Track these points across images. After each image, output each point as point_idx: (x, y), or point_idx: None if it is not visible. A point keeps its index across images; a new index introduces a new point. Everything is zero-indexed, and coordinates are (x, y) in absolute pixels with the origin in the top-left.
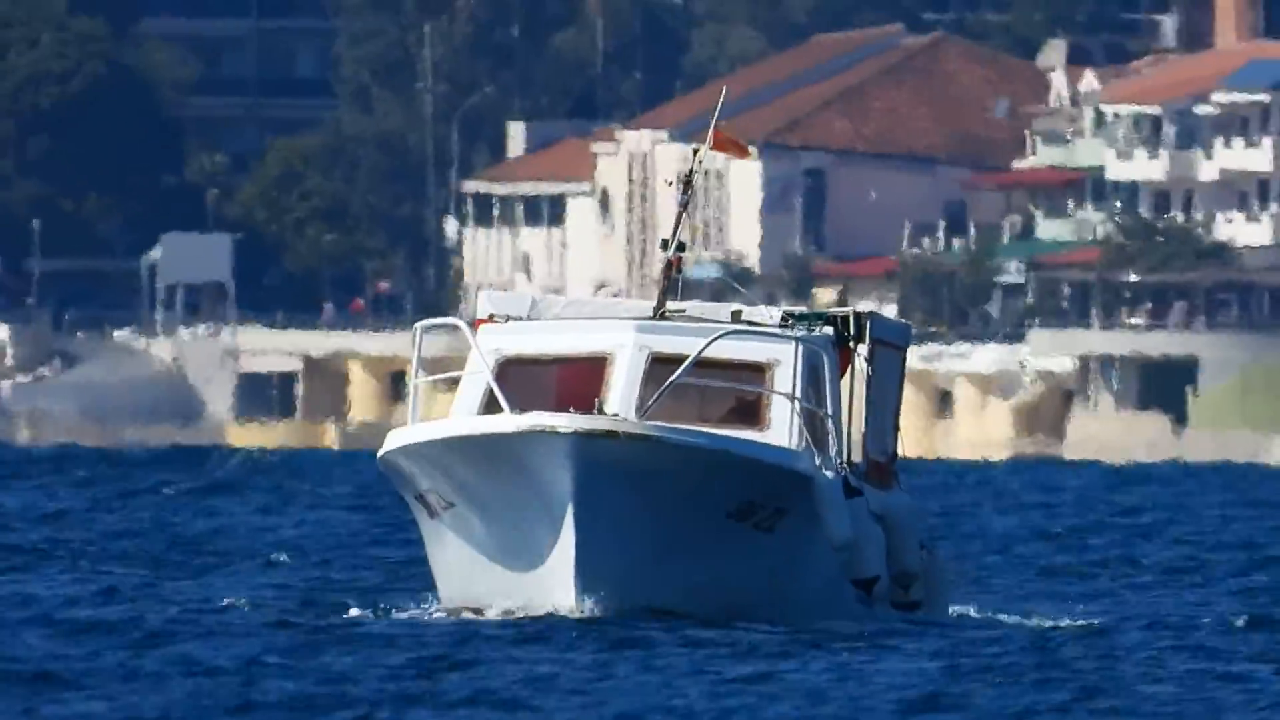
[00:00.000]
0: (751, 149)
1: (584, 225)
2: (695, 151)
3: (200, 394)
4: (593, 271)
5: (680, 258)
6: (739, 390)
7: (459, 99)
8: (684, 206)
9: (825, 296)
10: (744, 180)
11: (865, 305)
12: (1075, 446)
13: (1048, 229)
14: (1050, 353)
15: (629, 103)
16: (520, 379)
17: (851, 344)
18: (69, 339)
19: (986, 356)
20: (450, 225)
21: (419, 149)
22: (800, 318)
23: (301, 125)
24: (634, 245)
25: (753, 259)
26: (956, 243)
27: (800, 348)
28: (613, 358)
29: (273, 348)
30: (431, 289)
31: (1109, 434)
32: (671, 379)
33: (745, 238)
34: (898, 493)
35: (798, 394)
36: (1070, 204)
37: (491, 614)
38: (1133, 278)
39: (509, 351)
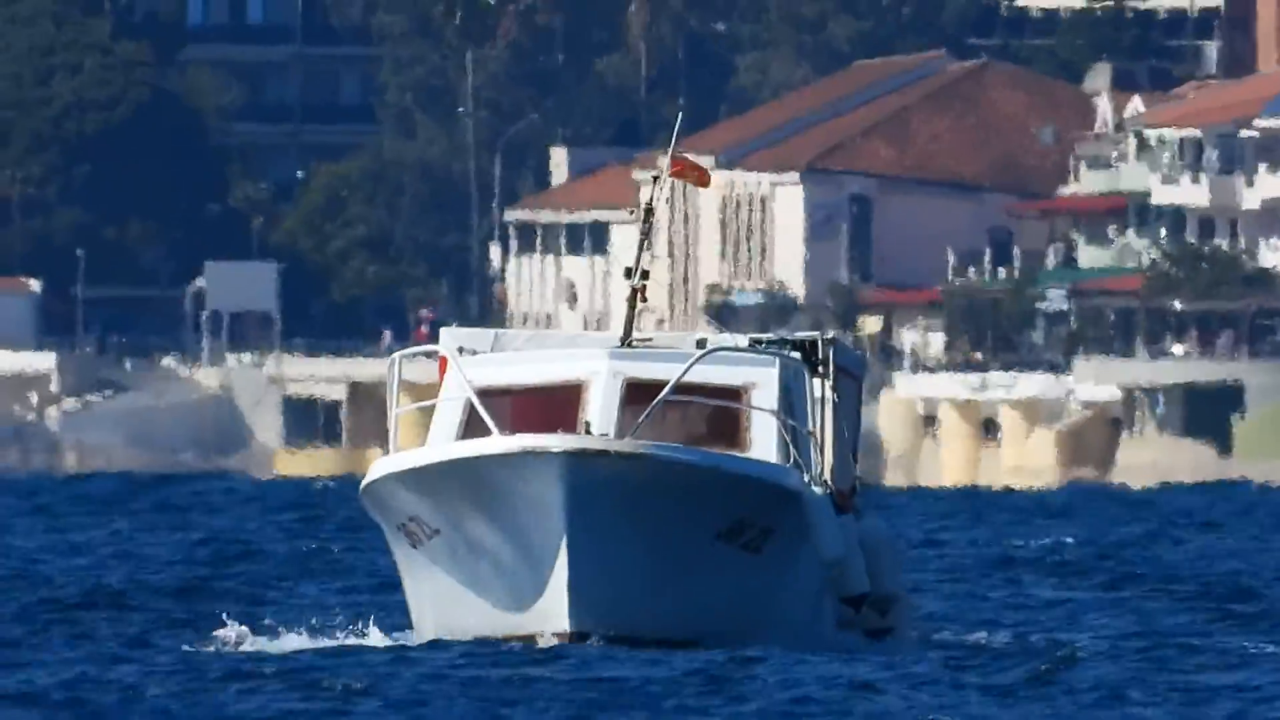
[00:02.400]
0: (715, 174)
1: (628, 252)
2: (655, 179)
3: (247, 421)
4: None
5: (644, 286)
6: (719, 410)
7: (502, 125)
8: (645, 235)
9: (871, 325)
10: (788, 207)
11: (911, 334)
12: (1123, 473)
13: (1091, 256)
14: (1096, 381)
15: (672, 129)
16: (496, 409)
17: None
18: (115, 367)
19: (1032, 385)
20: (494, 253)
21: (462, 176)
22: (768, 344)
23: (344, 151)
24: (676, 271)
25: (797, 287)
26: (1001, 270)
27: (780, 369)
28: (587, 385)
29: (318, 375)
30: (475, 317)
31: (1155, 461)
32: (657, 400)
33: (789, 266)
34: (871, 518)
35: (779, 413)
36: (1113, 230)
37: (469, 643)
38: (1177, 305)
39: (482, 382)
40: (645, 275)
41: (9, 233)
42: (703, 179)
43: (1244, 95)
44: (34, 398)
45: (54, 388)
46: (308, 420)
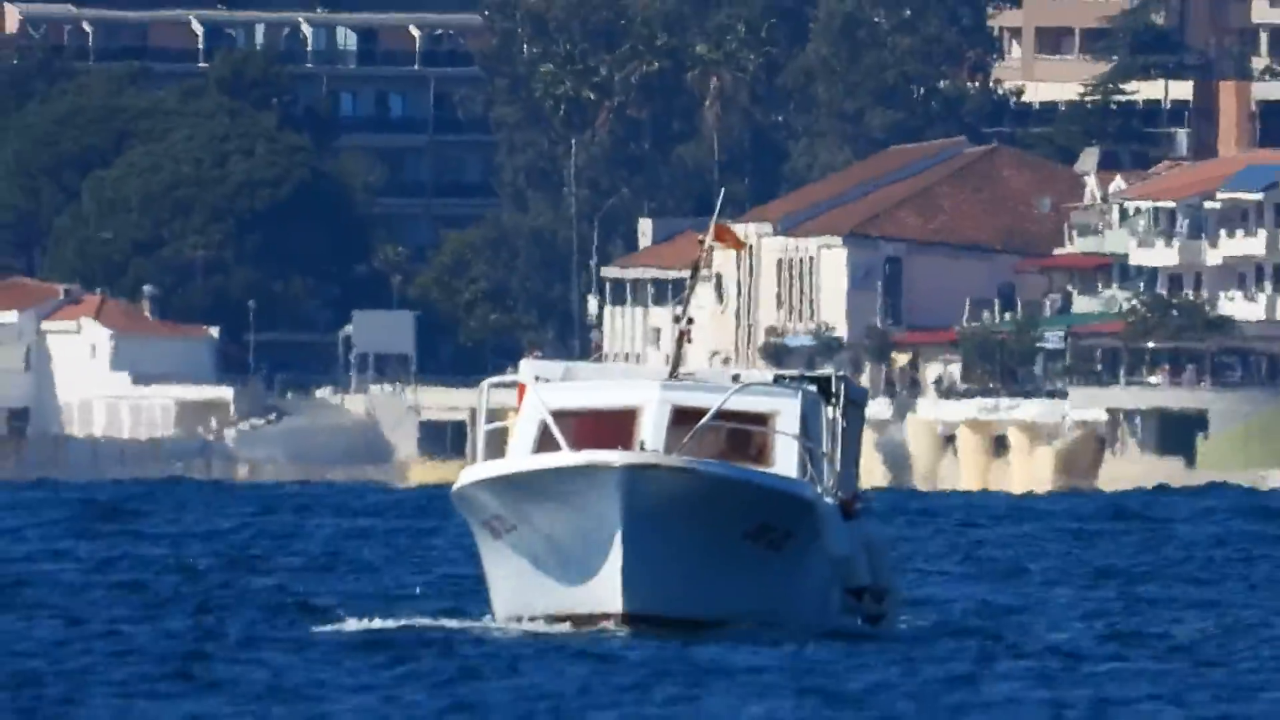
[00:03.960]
0: (751, 241)
1: (701, 304)
2: (701, 241)
3: (388, 440)
4: (709, 343)
5: (689, 329)
6: (749, 432)
7: (599, 200)
8: (691, 288)
9: (901, 360)
10: (832, 266)
11: (935, 367)
12: (1106, 482)
13: (1082, 304)
14: (1086, 406)
15: (740, 201)
16: (565, 427)
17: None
18: (280, 397)
19: (1033, 409)
20: (592, 304)
21: (565, 241)
22: (791, 379)
23: (469, 220)
24: (742, 321)
25: (841, 330)
26: (1008, 316)
27: (801, 400)
28: (641, 410)
29: (447, 403)
30: (577, 357)
31: (1134, 473)
32: (700, 423)
33: (834, 313)
34: (871, 521)
35: (799, 436)
36: (1100, 284)
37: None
38: (1152, 345)
39: (554, 405)
40: (690, 321)
41: (192, 289)
42: (736, 245)
43: (1209, 174)
44: (214, 422)
45: (231, 414)
46: (438, 438)
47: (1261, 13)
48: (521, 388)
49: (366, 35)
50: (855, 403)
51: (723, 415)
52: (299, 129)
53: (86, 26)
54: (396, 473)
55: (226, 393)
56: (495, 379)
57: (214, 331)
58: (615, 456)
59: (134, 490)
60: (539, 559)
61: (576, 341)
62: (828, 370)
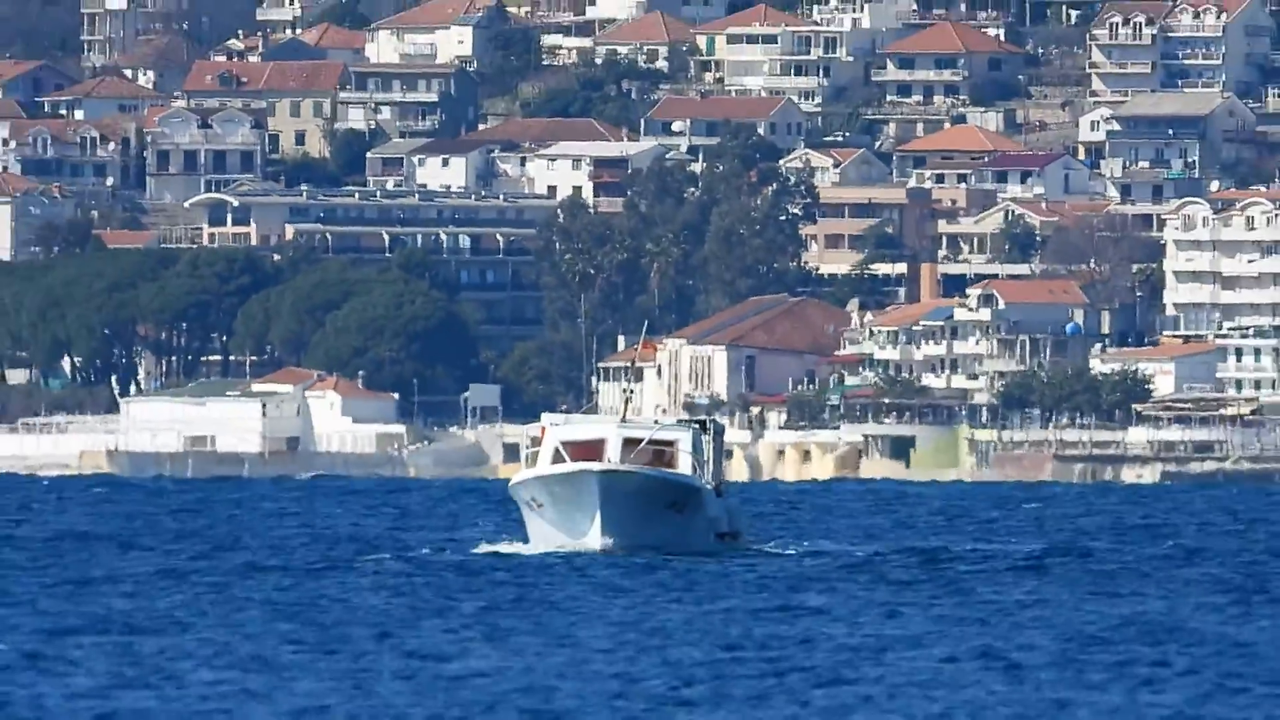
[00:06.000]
0: (677, 347)
1: (649, 381)
2: (636, 349)
3: (487, 454)
4: (655, 401)
5: (631, 395)
6: (664, 451)
7: (596, 326)
8: (632, 375)
9: (755, 411)
10: (720, 361)
11: (773, 416)
12: (863, 474)
13: (851, 380)
14: (851, 435)
15: (671, 326)
16: (569, 449)
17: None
18: (430, 431)
19: (824, 436)
20: (593, 382)
21: (579, 349)
22: (685, 422)
23: (530, 336)
24: (671, 390)
25: (724, 394)
26: (812, 387)
27: (691, 433)
28: (607, 440)
29: (515, 435)
30: (585, 411)
31: (878, 470)
32: (639, 446)
33: (720, 385)
34: (730, 497)
35: (690, 453)
36: (860, 370)
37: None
38: (886, 401)
39: (562, 438)
40: (632, 391)
41: (385, 373)
42: (652, 352)
43: (916, 312)
44: (396, 446)
45: (405, 441)
46: (513, 453)
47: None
48: (543, 429)
49: (476, 243)
50: (719, 434)
51: (651, 442)
52: (441, 287)
53: (328, 236)
54: (490, 472)
55: (401, 429)
56: (535, 425)
57: (395, 395)
58: (594, 466)
59: (363, 484)
60: (555, 521)
61: (583, 402)
62: (705, 417)
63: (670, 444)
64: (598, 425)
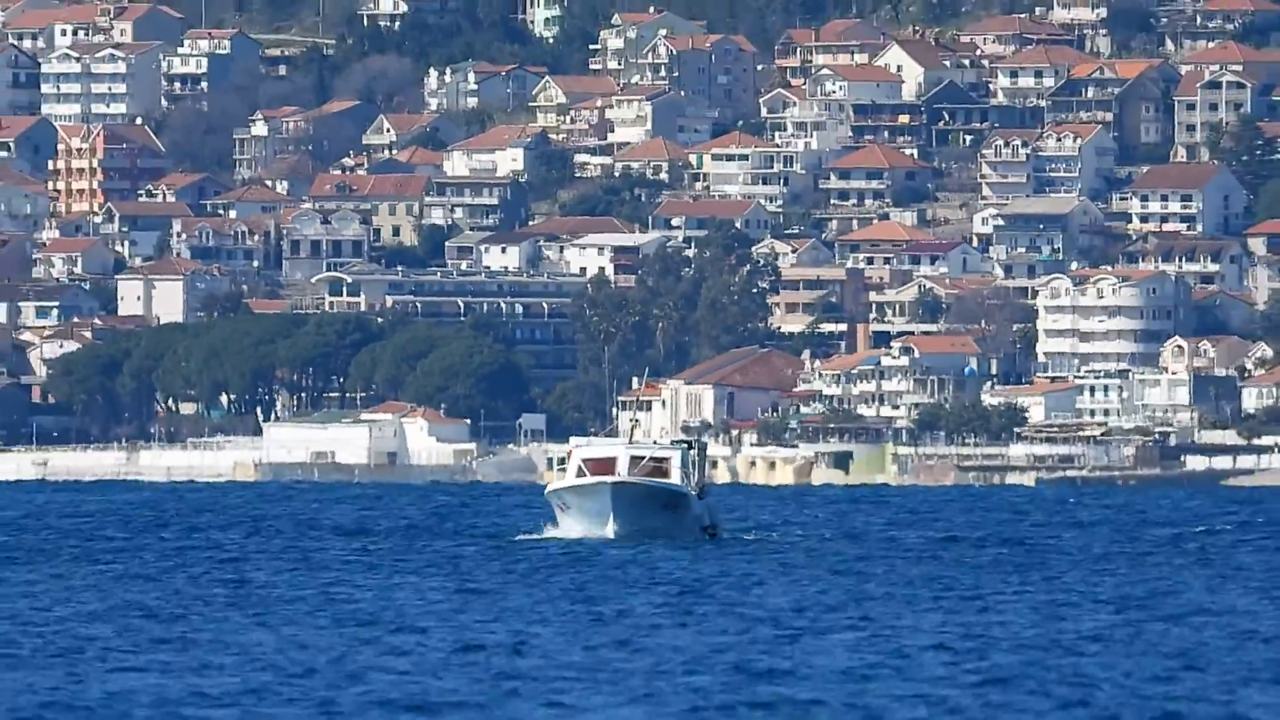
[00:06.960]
0: (676, 386)
1: (657, 412)
2: (641, 388)
3: (536, 464)
4: (661, 425)
5: (636, 424)
6: (661, 465)
7: (615, 370)
8: (638, 408)
9: (734, 433)
10: (708, 398)
11: (747, 437)
12: (815, 480)
13: (806, 411)
14: (803, 450)
15: (672, 371)
16: (589, 465)
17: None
18: (493, 447)
19: (785, 451)
20: (616, 413)
21: (603, 388)
22: (676, 442)
23: (567, 378)
24: (672, 418)
25: (711, 420)
26: (775, 415)
27: (681, 451)
28: (618, 458)
29: (557, 451)
30: (609, 434)
31: (824, 477)
32: (642, 463)
33: (708, 413)
34: (711, 498)
35: (680, 466)
36: (812, 403)
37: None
38: (832, 425)
39: (584, 456)
40: (638, 421)
41: (461, 404)
42: (654, 391)
43: (853, 359)
44: (468, 458)
45: (474, 454)
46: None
47: None
48: (570, 450)
49: (527, 310)
50: (702, 451)
51: (651, 459)
52: (501, 342)
53: (418, 305)
54: (538, 479)
55: (472, 446)
56: (565, 447)
57: (467, 421)
58: (609, 479)
59: (452, 488)
60: (579, 520)
61: (607, 427)
62: (691, 438)
63: (665, 460)
64: (611, 446)
